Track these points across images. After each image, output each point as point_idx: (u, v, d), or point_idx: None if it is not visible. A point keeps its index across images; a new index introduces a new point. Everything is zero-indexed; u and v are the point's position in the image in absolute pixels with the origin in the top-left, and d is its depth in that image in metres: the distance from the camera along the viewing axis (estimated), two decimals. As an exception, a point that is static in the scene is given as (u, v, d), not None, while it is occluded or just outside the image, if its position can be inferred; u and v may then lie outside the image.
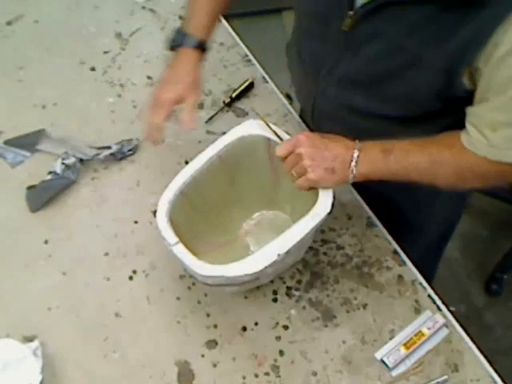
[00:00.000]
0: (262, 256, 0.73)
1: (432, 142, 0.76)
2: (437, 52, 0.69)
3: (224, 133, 1.08)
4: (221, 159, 0.85)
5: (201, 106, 1.15)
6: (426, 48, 0.69)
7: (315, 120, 0.96)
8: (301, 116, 1.14)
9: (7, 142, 1.05)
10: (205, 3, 0.92)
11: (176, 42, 0.90)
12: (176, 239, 0.76)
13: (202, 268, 0.73)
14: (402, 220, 1.00)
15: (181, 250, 0.75)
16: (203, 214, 0.88)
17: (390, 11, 0.70)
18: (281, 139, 0.83)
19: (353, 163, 0.75)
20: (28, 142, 1.05)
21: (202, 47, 0.91)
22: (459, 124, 0.75)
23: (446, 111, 0.79)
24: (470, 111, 0.73)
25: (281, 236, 0.74)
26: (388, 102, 0.81)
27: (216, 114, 1.13)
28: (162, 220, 0.78)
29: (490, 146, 0.71)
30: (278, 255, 0.73)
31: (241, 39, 1.28)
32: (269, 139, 0.85)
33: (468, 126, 0.73)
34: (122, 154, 1.04)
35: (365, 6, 0.72)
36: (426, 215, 1.06)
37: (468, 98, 0.72)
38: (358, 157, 0.75)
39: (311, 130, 1.08)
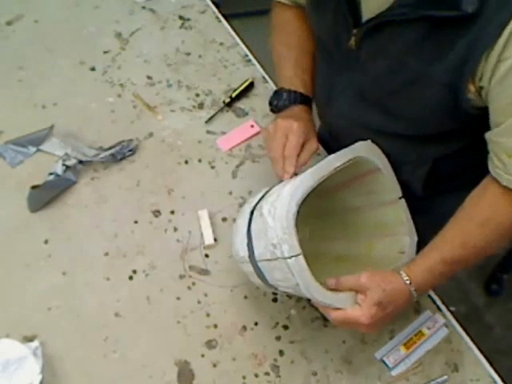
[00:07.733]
0: None
1: (454, 227, 0.75)
2: (437, 68, 0.68)
3: (224, 133, 1.10)
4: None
5: (201, 106, 1.15)
6: (427, 64, 0.69)
7: (333, 136, 0.96)
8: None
9: (12, 142, 1.04)
10: (299, 59, 0.93)
11: (289, 101, 0.89)
12: (300, 249, 0.65)
13: (318, 291, 0.66)
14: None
15: (301, 263, 0.65)
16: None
17: (391, 29, 0.70)
18: None
19: (414, 300, 0.76)
20: (34, 140, 1.04)
21: (309, 103, 0.92)
22: (478, 145, 0.73)
23: (463, 131, 0.78)
24: (487, 137, 0.71)
25: None
26: (398, 119, 0.80)
27: (216, 113, 1.12)
28: (290, 224, 0.64)
29: (508, 173, 0.68)
30: None
31: (241, 39, 1.28)
32: (375, 170, 0.81)
33: (490, 152, 0.71)
34: (122, 155, 1.04)
35: (367, 24, 0.73)
36: None
37: (485, 117, 0.70)
38: (415, 291, 0.74)
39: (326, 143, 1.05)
